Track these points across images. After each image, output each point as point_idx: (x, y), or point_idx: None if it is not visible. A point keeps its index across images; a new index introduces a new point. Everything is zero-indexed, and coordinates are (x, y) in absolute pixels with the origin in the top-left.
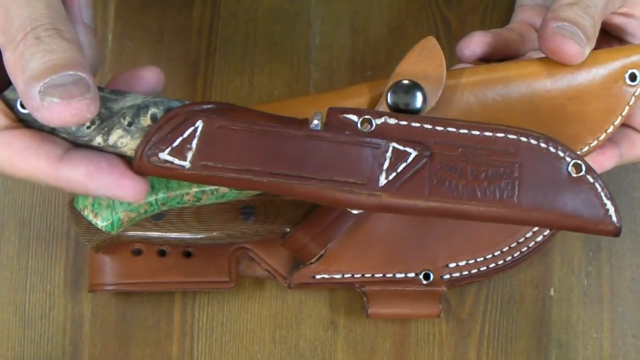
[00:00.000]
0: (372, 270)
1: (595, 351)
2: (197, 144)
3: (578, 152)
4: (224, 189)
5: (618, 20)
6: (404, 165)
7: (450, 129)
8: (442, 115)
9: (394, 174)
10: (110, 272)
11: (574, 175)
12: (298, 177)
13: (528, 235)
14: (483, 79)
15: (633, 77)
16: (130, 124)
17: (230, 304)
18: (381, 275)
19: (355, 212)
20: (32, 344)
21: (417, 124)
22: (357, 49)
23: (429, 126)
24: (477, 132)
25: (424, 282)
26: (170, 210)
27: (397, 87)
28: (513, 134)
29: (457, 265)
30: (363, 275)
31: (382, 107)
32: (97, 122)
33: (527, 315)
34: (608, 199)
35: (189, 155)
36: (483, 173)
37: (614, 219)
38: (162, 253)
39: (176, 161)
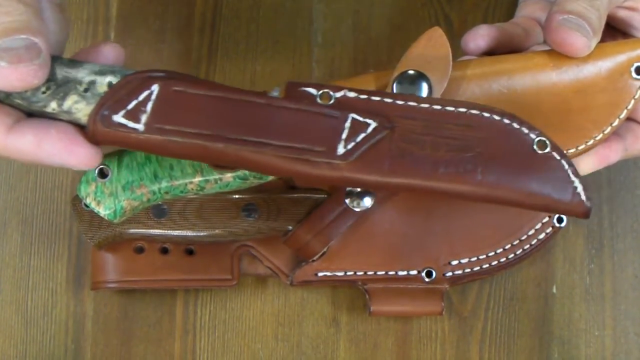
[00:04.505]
0: (375, 267)
1: (597, 349)
2: (152, 107)
3: (583, 145)
4: (227, 178)
5: (623, 14)
6: (363, 135)
7: (411, 103)
8: None
9: (352, 144)
10: (113, 270)
11: (539, 152)
12: (255, 144)
13: (530, 233)
14: (489, 70)
15: (639, 71)
16: (86, 90)
17: (233, 302)
18: (383, 272)
19: (357, 209)
20: (35, 342)
21: (378, 98)
22: (359, 47)
23: (389, 100)
24: (438, 107)
25: (426, 279)
26: (173, 208)
27: (403, 78)
28: (476, 110)
29: (460, 262)
30: (365, 273)
31: None
32: (52, 88)
33: (530, 312)
34: (576, 176)
35: (143, 117)
36: (445, 146)
37: (583, 197)
38: (164, 251)
39: (130, 124)
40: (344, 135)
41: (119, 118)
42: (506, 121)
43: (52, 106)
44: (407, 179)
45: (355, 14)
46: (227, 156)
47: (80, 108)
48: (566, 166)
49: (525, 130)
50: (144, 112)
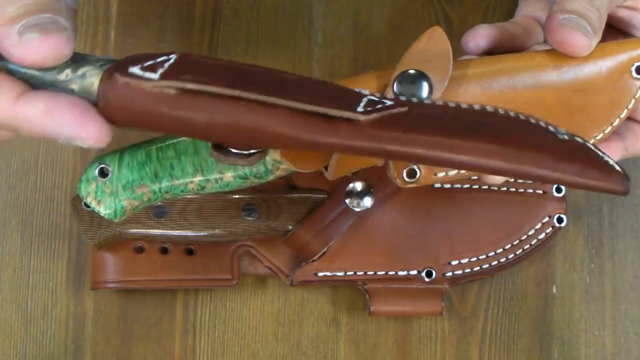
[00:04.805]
0: (375, 267)
1: (597, 349)
2: (169, 65)
3: None
4: (228, 177)
5: (623, 13)
6: (380, 106)
7: (425, 101)
8: None
9: (370, 109)
10: (113, 270)
11: (560, 137)
12: (272, 95)
13: (530, 233)
14: (489, 70)
15: (639, 70)
16: (102, 65)
17: (233, 302)
18: (383, 272)
19: (357, 209)
20: (35, 342)
21: (391, 95)
22: (359, 47)
23: (403, 98)
24: (452, 104)
25: (426, 279)
26: (173, 208)
27: (403, 77)
28: (490, 108)
29: (460, 262)
30: (365, 273)
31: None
32: (69, 62)
33: (530, 312)
34: (604, 154)
35: (160, 71)
36: (465, 124)
37: (618, 168)
38: (164, 251)
39: (146, 74)
40: (362, 103)
41: (134, 69)
42: (522, 117)
43: (66, 72)
44: (429, 147)
45: (355, 14)
46: (240, 117)
47: (95, 73)
48: (593, 147)
49: (543, 124)
50: (161, 67)
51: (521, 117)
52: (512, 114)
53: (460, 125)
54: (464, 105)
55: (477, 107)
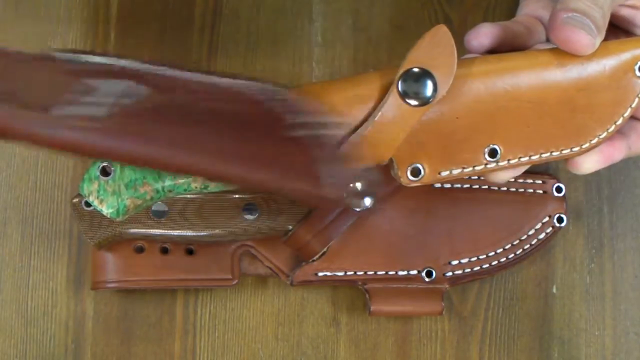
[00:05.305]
0: (375, 267)
1: (597, 349)
2: None
3: (587, 144)
4: None
5: (626, 12)
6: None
7: (167, 72)
8: (451, 104)
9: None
10: (113, 270)
11: (291, 134)
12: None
13: (530, 232)
14: (493, 68)
15: None
16: None
17: (233, 302)
18: (383, 272)
19: (357, 209)
20: (35, 342)
21: (395, 94)
22: (359, 47)
23: (132, 65)
24: (194, 79)
25: (426, 279)
26: (173, 208)
27: (408, 76)
28: (236, 88)
29: (460, 262)
30: (365, 273)
31: (392, 95)
32: None
33: (530, 312)
34: (328, 164)
35: None
36: (192, 113)
37: (327, 186)
38: (164, 250)
39: None
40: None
41: None
42: (268, 103)
43: None
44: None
45: (355, 14)
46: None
47: None
48: (317, 150)
49: (289, 118)
50: None
51: (267, 103)
52: (261, 97)
53: (176, 117)
54: (206, 80)
55: (224, 84)
